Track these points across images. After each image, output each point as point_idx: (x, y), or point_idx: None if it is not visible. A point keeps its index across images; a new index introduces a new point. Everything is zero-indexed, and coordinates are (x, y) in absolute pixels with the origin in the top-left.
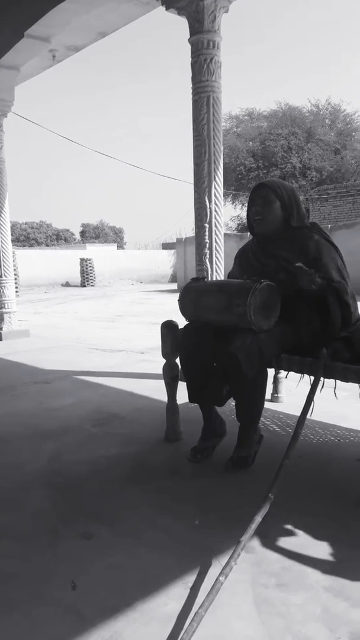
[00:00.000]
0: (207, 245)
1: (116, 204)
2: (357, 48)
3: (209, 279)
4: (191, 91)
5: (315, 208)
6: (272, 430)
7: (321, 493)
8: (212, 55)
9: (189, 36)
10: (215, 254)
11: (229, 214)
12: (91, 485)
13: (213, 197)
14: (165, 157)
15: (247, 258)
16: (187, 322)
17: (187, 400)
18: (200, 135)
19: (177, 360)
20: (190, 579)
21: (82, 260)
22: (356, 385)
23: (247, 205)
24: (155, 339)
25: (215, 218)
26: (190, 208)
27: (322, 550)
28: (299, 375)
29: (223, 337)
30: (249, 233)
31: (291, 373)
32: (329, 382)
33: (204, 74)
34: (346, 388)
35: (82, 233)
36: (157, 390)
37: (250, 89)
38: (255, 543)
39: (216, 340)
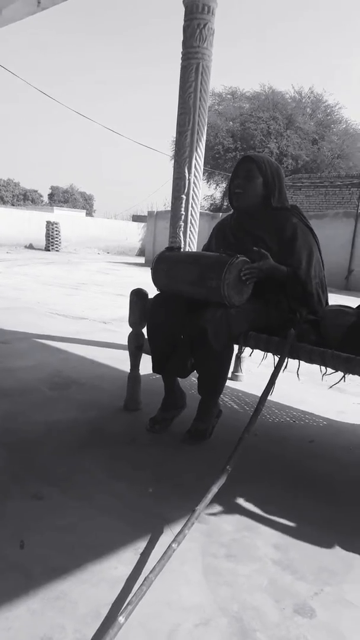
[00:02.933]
0: (183, 217)
1: (89, 169)
2: (348, 41)
3: (183, 250)
4: (180, 56)
5: (288, 196)
6: (230, 407)
7: (274, 470)
8: (206, 21)
9: None
10: (190, 227)
11: (202, 192)
12: (45, 448)
13: (193, 169)
14: (144, 126)
15: (224, 232)
16: (158, 292)
17: (150, 371)
18: (185, 104)
19: (144, 330)
20: (141, 545)
21: (48, 223)
22: (314, 371)
23: (230, 178)
24: (119, 310)
25: (194, 190)
26: (164, 182)
27: (274, 524)
28: (260, 356)
29: (193, 309)
30: (220, 213)
31: (253, 354)
32: (291, 367)
33: (195, 39)
34: (305, 373)
35: (51, 196)
36: (119, 360)
37: (235, 66)
38: (209, 514)
39: (186, 312)
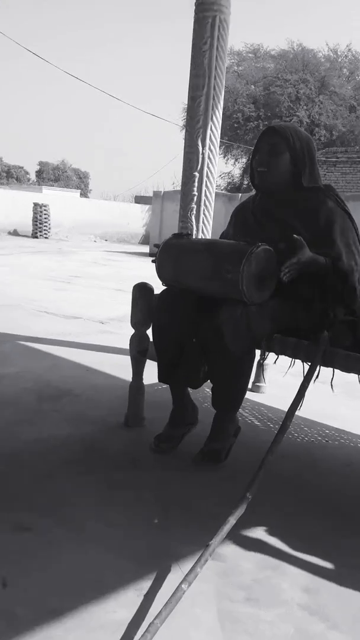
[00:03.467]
0: (195, 198)
1: (84, 143)
2: None
3: (195, 237)
4: (194, 8)
5: (321, 172)
6: (251, 423)
7: (304, 499)
8: None
9: None
10: (204, 210)
11: (218, 169)
12: (33, 470)
13: (207, 141)
14: (150, 91)
15: (245, 217)
16: (165, 287)
17: (156, 380)
18: (199, 64)
19: (149, 332)
20: (145, 585)
21: (36, 205)
22: (351, 382)
23: (251, 153)
24: (119, 308)
25: (208, 166)
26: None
27: (301, 563)
28: (287, 363)
29: (207, 307)
30: (239, 194)
31: (279, 361)
32: (323, 376)
33: None
34: (340, 384)
35: (39, 173)
36: (118, 367)
37: (259, 20)
38: (225, 549)
39: (198, 311)
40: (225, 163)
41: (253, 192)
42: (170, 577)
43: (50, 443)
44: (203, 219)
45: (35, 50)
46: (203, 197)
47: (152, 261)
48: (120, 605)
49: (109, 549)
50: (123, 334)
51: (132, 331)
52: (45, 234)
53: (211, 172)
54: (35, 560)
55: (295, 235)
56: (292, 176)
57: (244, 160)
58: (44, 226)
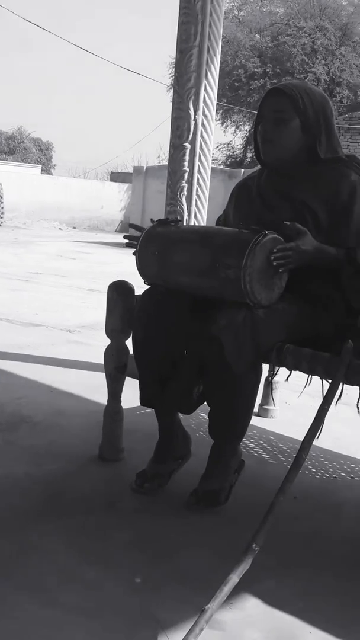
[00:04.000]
0: (186, 175)
1: (46, 107)
2: None
3: (185, 224)
4: None
5: (343, 143)
6: (258, 456)
7: (323, 552)
8: None
9: None
10: (197, 190)
11: (215, 139)
12: None
13: (201, 104)
14: (130, 43)
15: (250, 198)
16: (148, 287)
17: (137, 404)
18: (190, 7)
19: (128, 343)
20: None
21: None
22: None
23: (254, 121)
24: (91, 313)
25: (202, 136)
26: (158, 124)
27: (320, 630)
28: (302, 381)
29: (201, 311)
30: (242, 170)
31: (292, 378)
32: (348, 398)
33: None
34: None
35: None
36: (90, 387)
37: None
38: (226, 615)
39: (190, 316)
40: (224, 131)
41: (258, 166)
42: None
43: (4, 484)
44: (196, 201)
45: None
46: (196, 174)
47: (133, 253)
48: None
49: (80, 616)
50: (96, 345)
51: (108, 342)
52: None
53: (206, 143)
54: None
55: (286, 222)
56: (306, 147)
57: (247, 127)
58: None
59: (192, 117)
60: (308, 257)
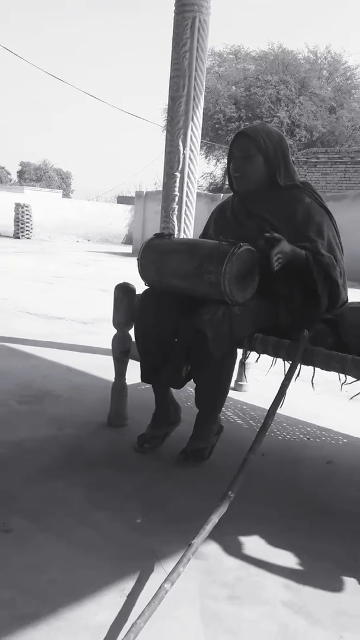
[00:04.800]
0: (177, 199)
1: (66, 142)
2: None
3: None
4: (173, 9)
5: (301, 174)
6: (233, 422)
7: (286, 496)
8: None
9: None
10: (185, 210)
11: (200, 170)
12: (12, 472)
13: (188, 141)
14: (132, 92)
15: (226, 217)
16: (147, 288)
17: (139, 380)
18: (179, 65)
19: (131, 332)
20: (127, 585)
21: (17, 206)
22: (332, 380)
23: (226, 157)
24: (101, 309)
25: (189, 167)
26: (155, 157)
27: (283, 560)
28: (269, 362)
29: (189, 308)
30: (221, 194)
31: (260, 360)
32: (304, 375)
33: None
34: (321, 383)
35: (20, 173)
36: (101, 368)
37: (239, 21)
38: (208, 548)
39: (180, 311)
40: (207, 163)
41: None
42: (153, 577)
43: (30, 445)
44: (185, 219)
45: (14, 49)
46: (184, 198)
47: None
48: (103, 607)
49: (91, 550)
50: (106, 334)
51: (115, 331)
52: (27, 234)
53: (192, 173)
54: (13, 562)
55: (267, 234)
56: (268, 176)
57: (225, 160)
58: (26, 226)
59: (181, 151)
60: (289, 256)
